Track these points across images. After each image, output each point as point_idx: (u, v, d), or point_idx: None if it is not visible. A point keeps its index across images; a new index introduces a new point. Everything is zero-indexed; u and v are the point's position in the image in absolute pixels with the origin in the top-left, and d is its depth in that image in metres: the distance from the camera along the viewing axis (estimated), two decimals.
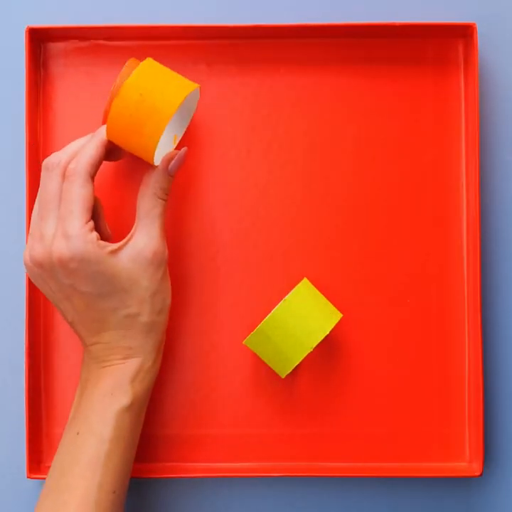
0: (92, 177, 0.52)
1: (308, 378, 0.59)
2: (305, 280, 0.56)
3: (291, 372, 0.56)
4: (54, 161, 0.53)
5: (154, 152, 0.52)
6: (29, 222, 0.58)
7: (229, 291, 0.59)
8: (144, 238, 0.53)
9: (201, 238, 0.59)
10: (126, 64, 0.56)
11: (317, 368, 0.59)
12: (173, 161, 0.54)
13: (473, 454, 0.58)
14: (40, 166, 0.59)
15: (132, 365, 0.53)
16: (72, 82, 0.60)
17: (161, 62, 0.59)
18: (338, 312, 0.57)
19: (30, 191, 0.58)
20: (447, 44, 0.60)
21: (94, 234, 0.51)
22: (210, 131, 0.60)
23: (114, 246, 0.52)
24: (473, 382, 0.58)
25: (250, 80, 0.60)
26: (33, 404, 0.58)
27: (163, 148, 0.55)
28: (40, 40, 0.60)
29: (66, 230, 0.51)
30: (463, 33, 0.59)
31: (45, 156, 0.60)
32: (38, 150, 0.60)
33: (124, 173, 0.59)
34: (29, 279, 0.58)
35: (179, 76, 0.53)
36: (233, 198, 0.60)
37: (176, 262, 0.59)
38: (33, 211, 0.54)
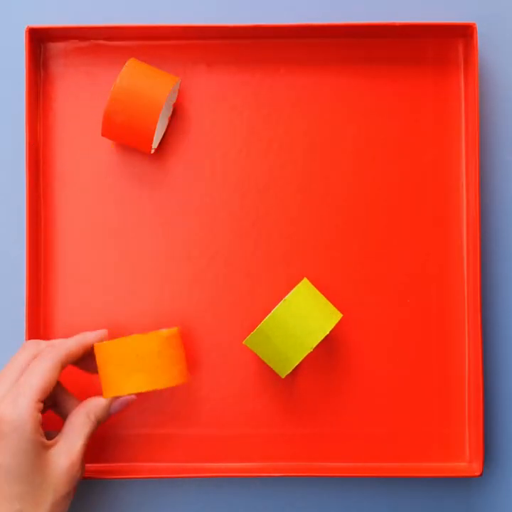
0: (62, 367, 0.53)
1: (308, 378, 0.59)
2: (305, 280, 0.56)
3: (291, 372, 0.56)
4: (34, 343, 0.54)
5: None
6: (29, 222, 0.58)
7: (229, 291, 0.59)
8: (64, 450, 0.52)
9: (201, 238, 0.59)
10: (126, 64, 0.56)
11: (317, 368, 0.59)
12: (117, 402, 0.55)
13: (473, 454, 0.58)
14: (40, 166, 0.60)
15: None
16: (72, 82, 0.60)
17: (161, 62, 0.60)
18: (338, 312, 0.57)
19: (30, 191, 0.58)
20: (447, 44, 0.60)
21: (39, 416, 0.51)
22: (210, 131, 0.60)
23: (46, 441, 0.52)
24: (473, 382, 0.58)
25: (250, 79, 0.60)
26: None
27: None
28: (40, 40, 0.60)
29: (18, 397, 0.50)
30: (463, 33, 0.59)
31: (45, 156, 0.60)
32: (38, 150, 0.60)
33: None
34: (29, 279, 0.58)
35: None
36: (233, 198, 0.60)
37: (176, 262, 0.59)
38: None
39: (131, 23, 0.60)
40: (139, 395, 0.59)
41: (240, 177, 0.60)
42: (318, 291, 0.57)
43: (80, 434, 0.53)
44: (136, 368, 0.54)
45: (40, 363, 0.52)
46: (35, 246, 0.59)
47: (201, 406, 0.59)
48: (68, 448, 0.52)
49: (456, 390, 0.59)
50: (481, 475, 0.57)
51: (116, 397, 0.55)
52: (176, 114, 0.60)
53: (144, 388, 0.54)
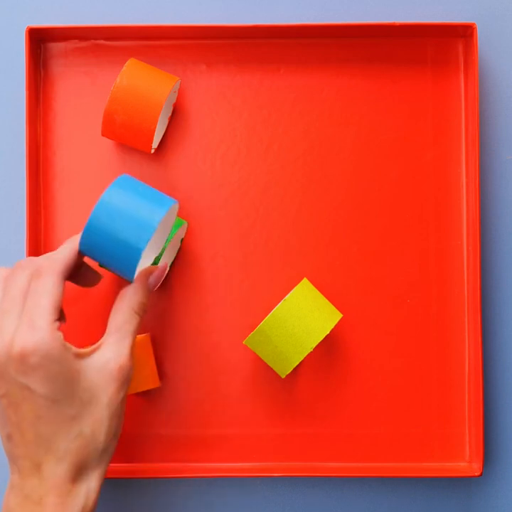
0: (65, 279, 0.49)
1: (308, 378, 0.59)
2: (305, 280, 0.56)
3: (291, 372, 0.56)
4: (27, 260, 0.49)
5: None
6: (29, 222, 0.58)
7: (229, 291, 0.59)
8: (112, 352, 0.48)
9: (201, 238, 0.59)
10: (126, 64, 0.56)
11: (317, 368, 0.59)
12: (152, 276, 0.51)
13: (473, 454, 0.58)
14: (40, 165, 0.60)
15: (77, 505, 0.47)
16: (72, 82, 0.60)
17: (161, 62, 0.60)
18: (338, 312, 0.57)
19: (30, 191, 0.58)
20: (447, 44, 0.60)
21: (61, 333, 0.47)
22: (210, 131, 0.60)
23: (80, 350, 0.48)
24: (473, 382, 0.58)
25: (250, 79, 0.60)
26: None
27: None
28: (40, 40, 0.60)
29: (33, 321, 0.46)
30: (463, 33, 0.59)
31: (45, 156, 0.60)
32: (38, 150, 0.60)
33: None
34: None
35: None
36: (233, 198, 0.60)
37: (176, 262, 0.59)
38: None
39: (131, 23, 0.60)
40: (137, 395, 0.59)
41: (240, 177, 0.60)
42: (318, 291, 0.57)
43: (127, 332, 0.49)
44: None
45: (43, 281, 0.47)
46: (35, 246, 0.59)
47: (201, 406, 0.59)
48: (116, 350, 0.48)
49: (456, 390, 0.59)
50: (481, 475, 0.57)
51: (146, 274, 0.50)
52: (176, 114, 0.60)
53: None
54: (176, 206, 0.52)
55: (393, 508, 0.59)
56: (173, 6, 0.61)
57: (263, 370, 0.59)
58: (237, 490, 0.59)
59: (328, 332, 0.55)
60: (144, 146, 0.56)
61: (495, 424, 0.60)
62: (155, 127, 0.55)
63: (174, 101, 0.59)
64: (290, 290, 0.58)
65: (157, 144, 0.59)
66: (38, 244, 0.59)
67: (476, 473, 0.57)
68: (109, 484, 0.59)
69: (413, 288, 0.59)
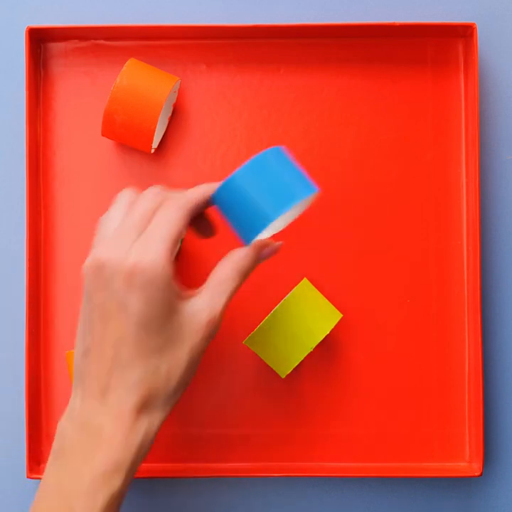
0: (190, 217, 0.48)
1: (308, 378, 0.59)
2: (305, 280, 0.56)
3: (291, 372, 0.56)
4: (160, 188, 0.50)
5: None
6: (29, 222, 0.58)
7: None
8: (207, 304, 0.48)
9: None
10: (126, 64, 0.56)
11: (317, 368, 0.59)
12: (268, 249, 0.50)
13: (473, 454, 0.58)
14: (40, 165, 0.60)
15: (136, 440, 0.46)
16: (72, 82, 0.60)
17: (161, 62, 0.60)
18: (338, 312, 0.57)
19: (30, 191, 0.58)
20: (447, 44, 0.60)
21: (173, 267, 0.46)
22: (210, 131, 0.60)
23: (182, 291, 0.47)
24: (473, 382, 0.58)
25: (250, 79, 0.60)
26: (33, 404, 0.58)
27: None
28: (40, 40, 0.60)
29: (151, 245, 0.46)
30: (463, 33, 0.59)
31: (45, 156, 0.60)
32: (38, 150, 0.60)
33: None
34: (29, 279, 0.58)
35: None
36: None
37: (177, 262, 0.59)
38: (108, 218, 0.49)
39: (131, 23, 0.60)
40: None
41: None
42: (318, 291, 0.57)
43: (226, 289, 0.48)
44: None
45: (170, 212, 0.47)
46: (35, 246, 0.59)
47: (201, 406, 0.59)
48: (211, 303, 0.48)
49: (456, 390, 0.59)
50: (481, 475, 0.57)
51: (262, 246, 0.50)
52: (176, 114, 0.60)
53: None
54: (313, 196, 0.51)
55: (393, 508, 0.59)
56: (173, 6, 0.61)
57: (263, 370, 0.59)
58: (237, 490, 0.59)
59: (328, 332, 0.55)
60: (144, 146, 0.56)
61: (495, 424, 0.60)
62: (155, 127, 0.55)
63: (174, 101, 0.59)
64: (290, 290, 0.58)
65: (157, 143, 0.59)
66: (38, 244, 0.59)
67: (476, 473, 0.57)
68: None
69: (413, 288, 0.59)
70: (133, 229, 0.47)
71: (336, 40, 0.60)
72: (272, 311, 0.55)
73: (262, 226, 0.47)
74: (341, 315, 0.57)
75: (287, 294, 0.56)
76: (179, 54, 0.60)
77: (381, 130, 0.60)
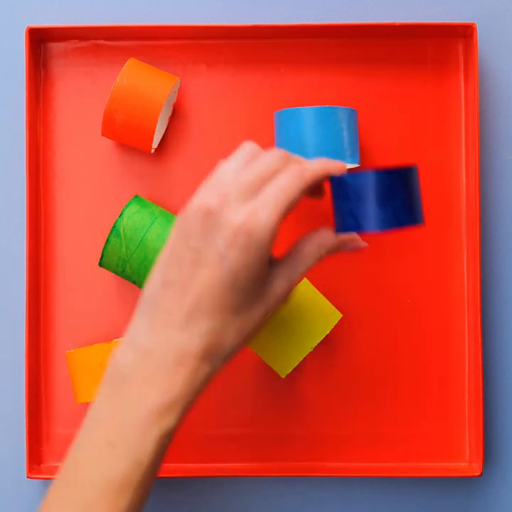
0: (306, 190, 0.48)
1: (308, 378, 0.59)
2: (305, 280, 0.56)
3: (291, 372, 0.56)
4: (285, 152, 0.49)
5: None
6: (29, 222, 0.58)
7: None
8: (288, 272, 0.48)
9: None
10: (126, 64, 0.56)
11: (317, 368, 0.59)
12: (353, 243, 0.51)
13: (473, 454, 0.58)
14: (40, 166, 0.60)
15: (195, 383, 0.46)
16: (72, 82, 0.60)
17: (161, 62, 0.60)
18: (338, 312, 0.57)
19: (30, 191, 0.58)
20: (447, 44, 0.60)
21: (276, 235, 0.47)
22: (210, 131, 0.60)
23: (273, 258, 0.49)
24: (473, 382, 0.58)
25: (250, 79, 0.60)
26: (33, 404, 0.58)
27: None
28: (40, 40, 0.60)
29: (266, 211, 0.45)
30: (463, 33, 0.59)
31: (45, 155, 0.60)
32: (38, 150, 0.60)
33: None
34: (29, 279, 0.58)
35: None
36: None
37: None
38: (226, 166, 0.48)
39: (131, 23, 0.60)
40: None
41: None
42: (318, 291, 0.57)
43: (305, 262, 0.49)
44: (100, 375, 0.55)
45: (290, 179, 0.47)
46: (35, 245, 0.59)
47: (201, 406, 0.59)
48: (290, 272, 0.48)
49: (456, 390, 0.59)
50: (481, 475, 0.57)
51: (350, 240, 0.51)
52: (176, 114, 0.60)
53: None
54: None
55: (393, 508, 0.59)
56: (173, 6, 0.61)
57: (263, 370, 0.59)
58: (237, 490, 0.59)
59: (328, 332, 0.55)
60: (144, 146, 0.56)
61: (495, 424, 0.60)
62: (155, 127, 0.55)
63: (174, 101, 0.59)
64: None
65: (157, 143, 0.59)
66: (38, 244, 0.59)
67: (476, 473, 0.57)
68: None
69: (413, 288, 0.59)
70: (249, 185, 0.47)
71: (336, 40, 0.60)
72: None
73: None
74: (341, 315, 0.56)
75: None
76: (179, 54, 0.60)
77: (381, 130, 0.60)
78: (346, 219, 0.48)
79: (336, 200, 0.49)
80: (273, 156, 0.48)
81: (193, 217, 0.46)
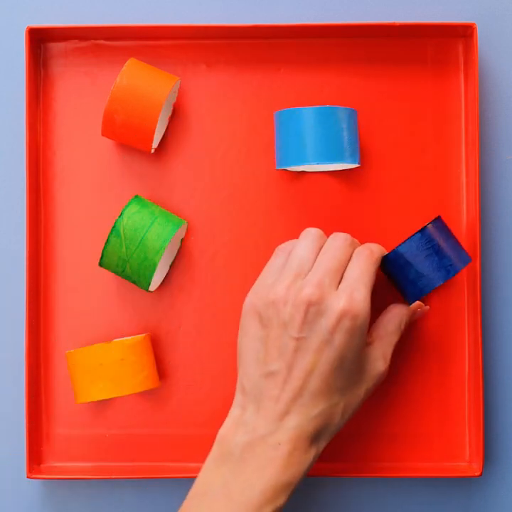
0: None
1: None
2: None
3: None
4: (347, 236, 0.54)
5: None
6: (29, 222, 0.58)
7: (229, 291, 0.59)
8: (381, 352, 0.53)
9: (201, 238, 0.59)
10: (126, 63, 0.56)
11: None
12: (421, 310, 0.57)
13: (473, 454, 0.58)
14: (40, 166, 0.60)
15: (305, 464, 0.50)
16: (72, 82, 0.60)
17: (161, 62, 0.60)
18: None
19: (30, 191, 0.58)
20: (447, 44, 0.60)
21: None
22: (210, 131, 0.60)
23: (368, 339, 0.53)
24: (473, 382, 0.58)
25: (250, 79, 0.60)
26: (33, 405, 0.58)
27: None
28: (40, 40, 0.60)
29: (359, 292, 0.50)
30: (463, 33, 0.59)
31: (45, 155, 0.60)
32: (38, 150, 0.60)
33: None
34: (29, 279, 0.58)
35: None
36: (233, 198, 0.60)
37: (176, 262, 0.59)
38: (298, 253, 0.52)
39: (131, 23, 0.60)
40: (137, 395, 0.59)
41: (240, 177, 0.60)
42: None
43: (392, 341, 0.54)
44: (100, 375, 0.55)
45: (367, 261, 0.52)
46: (35, 245, 0.59)
47: (201, 406, 0.59)
48: (384, 352, 0.53)
49: (456, 390, 0.59)
50: (481, 475, 0.57)
51: (419, 307, 0.57)
52: (176, 114, 0.60)
53: (108, 395, 0.55)
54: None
55: (393, 508, 0.59)
56: (173, 6, 0.61)
57: None
58: None
59: None
60: (144, 146, 0.56)
61: (495, 424, 0.60)
62: (155, 127, 0.55)
63: (174, 101, 0.59)
64: None
65: (157, 143, 0.59)
66: (38, 244, 0.59)
67: (476, 473, 0.57)
68: (109, 484, 0.59)
69: None
70: (335, 272, 0.51)
71: (336, 40, 0.60)
72: None
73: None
74: None
75: None
76: (179, 54, 0.60)
77: (381, 130, 0.60)
78: (417, 283, 0.54)
79: (398, 272, 0.54)
80: (343, 240, 0.53)
81: (293, 310, 0.50)
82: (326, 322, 0.49)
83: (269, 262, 0.54)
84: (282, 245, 0.54)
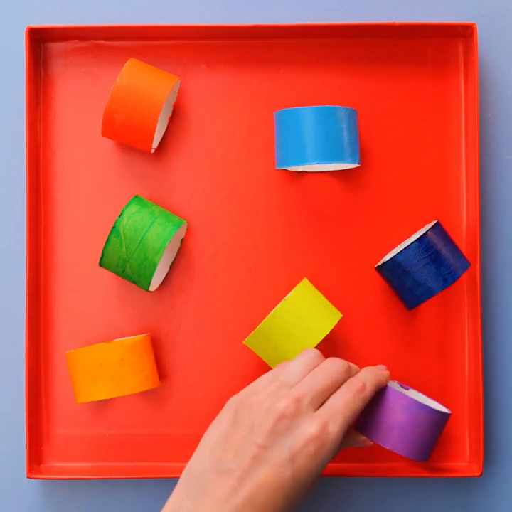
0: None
1: None
2: (305, 280, 0.56)
3: None
4: (343, 362, 0.52)
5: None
6: (29, 222, 0.58)
7: (229, 291, 0.59)
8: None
9: (201, 238, 0.59)
10: (126, 64, 0.56)
11: None
12: (365, 442, 0.55)
13: (473, 454, 0.58)
14: (40, 166, 0.60)
15: None
16: (72, 82, 0.60)
17: (161, 62, 0.60)
18: (338, 312, 0.57)
19: (30, 191, 0.58)
20: (447, 44, 0.60)
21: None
22: (210, 131, 0.60)
23: None
24: (473, 382, 0.58)
25: (250, 79, 0.60)
26: (33, 405, 0.58)
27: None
28: (40, 40, 0.60)
29: (335, 425, 0.49)
30: (463, 33, 0.59)
31: (45, 155, 0.60)
32: (38, 150, 0.60)
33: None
34: (29, 279, 0.58)
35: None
36: (233, 198, 0.60)
37: (176, 262, 0.59)
38: (288, 372, 0.51)
39: (131, 23, 0.60)
40: (137, 395, 0.59)
41: (240, 177, 0.60)
42: (318, 291, 0.57)
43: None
44: (100, 375, 0.55)
45: (354, 394, 0.50)
46: (35, 246, 0.59)
47: (201, 406, 0.59)
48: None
49: (456, 390, 0.59)
50: (481, 475, 0.57)
51: (365, 441, 0.55)
52: (176, 114, 0.60)
53: (108, 395, 0.55)
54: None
55: (393, 508, 0.59)
56: (173, 6, 0.61)
57: (263, 370, 0.59)
58: None
59: (328, 332, 0.55)
60: (144, 146, 0.56)
61: (495, 424, 0.60)
62: (155, 127, 0.55)
63: (174, 101, 0.59)
64: (290, 290, 0.58)
65: (157, 143, 0.59)
66: (38, 244, 0.59)
67: (476, 474, 0.57)
68: (109, 484, 0.59)
69: None
70: (319, 394, 0.50)
71: (336, 40, 0.60)
72: (272, 311, 0.55)
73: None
74: (341, 315, 0.57)
75: (287, 294, 0.56)
76: (179, 54, 0.60)
77: (381, 130, 0.60)
78: (415, 291, 0.55)
79: (396, 280, 0.55)
80: (338, 366, 0.51)
81: (264, 416, 0.48)
82: (292, 441, 0.48)
83: (270, 371, 0.53)
84: (285, 362, 0.54)
